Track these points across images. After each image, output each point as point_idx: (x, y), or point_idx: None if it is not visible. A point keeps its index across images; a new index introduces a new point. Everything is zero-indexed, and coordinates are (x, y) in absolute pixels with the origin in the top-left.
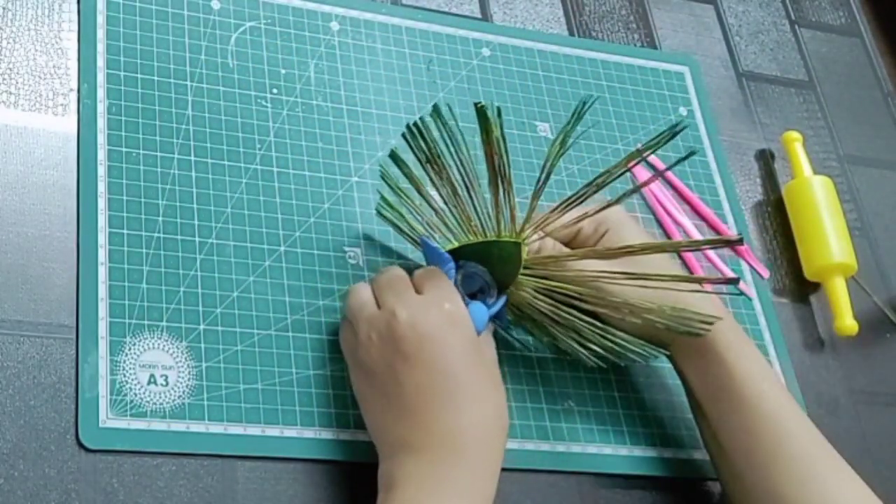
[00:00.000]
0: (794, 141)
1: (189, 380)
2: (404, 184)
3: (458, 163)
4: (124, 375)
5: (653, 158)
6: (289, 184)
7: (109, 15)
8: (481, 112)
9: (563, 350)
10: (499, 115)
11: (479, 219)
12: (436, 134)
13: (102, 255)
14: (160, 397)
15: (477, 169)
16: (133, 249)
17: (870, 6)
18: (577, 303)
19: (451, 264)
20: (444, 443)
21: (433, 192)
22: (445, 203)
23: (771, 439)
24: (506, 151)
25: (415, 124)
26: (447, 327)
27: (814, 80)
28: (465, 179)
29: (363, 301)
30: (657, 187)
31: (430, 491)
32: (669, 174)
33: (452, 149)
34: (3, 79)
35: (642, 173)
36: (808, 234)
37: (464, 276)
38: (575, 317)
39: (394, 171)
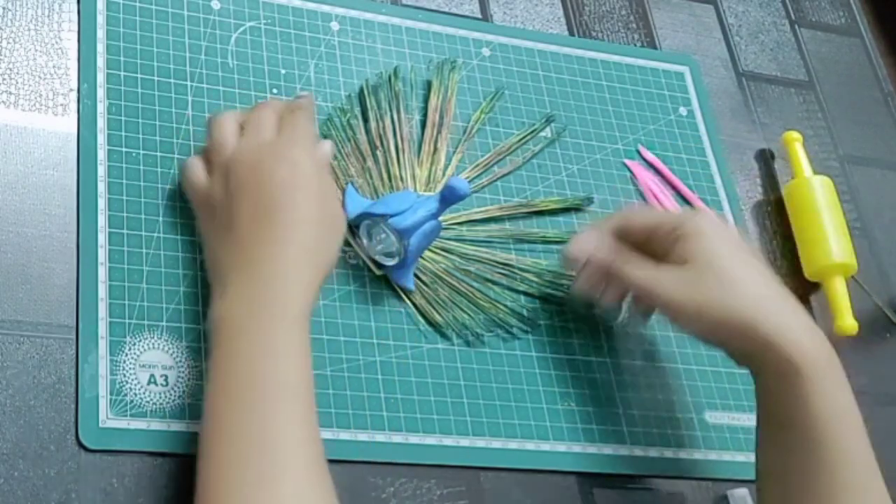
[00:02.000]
0: (794, 141)
1: (189, 380)
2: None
3: (397, 122)
4: (124, 375)
5: (652, 158)
6: None
7: (109, 15)
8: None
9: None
10: (453, 69)
11: (402, 175)
12: (383, 94)
13: (102, 255)
14: (160, 397)
15: (416, 133)
16: (133, 249)
17: (870, 6)
18: (473, 266)
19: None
20: (261, 258)
21: (367, 148)
22: (375, 160)
23: (826, 491)
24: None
25: (368, 80)
26: (284, 164)
27: (814, 80)
28: (399, 138)
29: (224, 140)
30: (657, 187)
31: (248, 310)
32: (669, 174)
33: (394, 108)
34: (3, 79)
35: (642, 172)
36: (808, 234)
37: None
38: (463, 280)
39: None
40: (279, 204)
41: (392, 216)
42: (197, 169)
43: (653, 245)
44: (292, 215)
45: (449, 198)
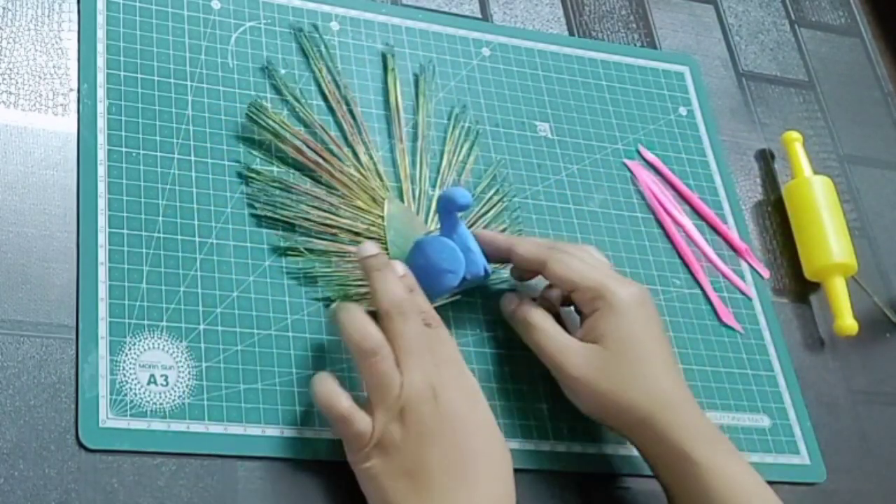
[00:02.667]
0: (794, 141)
1: (189, 380)
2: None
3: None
4: (124, 375)
5: (652, 158)
6: None
7: (109, 15)
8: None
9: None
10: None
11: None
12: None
13: (102, 255)
14: (160, 397)
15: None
16: (133, 249)
17: (870, 6)
18: None
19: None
20: None
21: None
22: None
23: None
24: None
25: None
26: (469, 404)
27: (814, 80)
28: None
29: (388, 378)
30: (657, 187)
31: None
32: (669, 174)
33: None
34: (3, 79)
35: (642, 172)
36: (808, 234)
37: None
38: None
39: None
40: (475, 450)
41: (471, 274)
42: (360, 419)
43: (574, 299)
44: (488, 463)
45: (450, 209)
